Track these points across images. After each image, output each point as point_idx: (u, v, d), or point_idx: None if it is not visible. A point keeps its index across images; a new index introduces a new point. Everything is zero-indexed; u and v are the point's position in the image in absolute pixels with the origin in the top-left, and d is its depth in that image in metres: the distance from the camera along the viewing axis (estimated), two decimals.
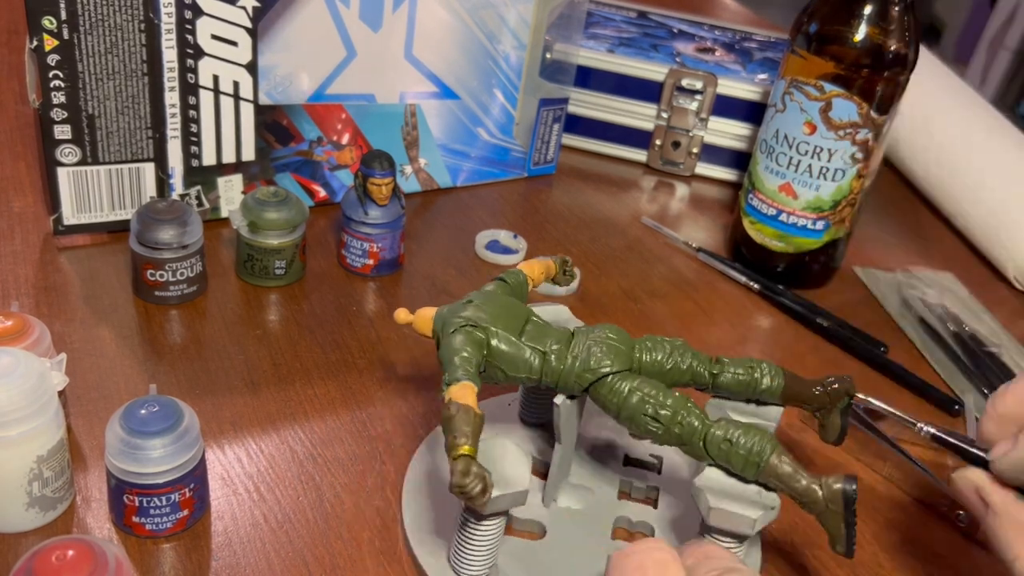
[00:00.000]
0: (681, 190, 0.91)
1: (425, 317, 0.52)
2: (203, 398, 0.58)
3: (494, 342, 0.48)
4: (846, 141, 0.70)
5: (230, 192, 0.73)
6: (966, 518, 0.57)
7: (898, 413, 0.53)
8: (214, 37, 0.67)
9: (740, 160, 0.90)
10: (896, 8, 0.68)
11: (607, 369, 0.48)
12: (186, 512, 0.49)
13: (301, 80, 0.72)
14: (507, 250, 0.77)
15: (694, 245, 0.80)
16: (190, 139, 0.69)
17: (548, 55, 0.82)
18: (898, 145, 0.94)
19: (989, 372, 0.69)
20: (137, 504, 0.48)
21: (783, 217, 0.75)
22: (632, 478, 0.56)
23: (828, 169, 0.71)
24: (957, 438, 0.50)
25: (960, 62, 2.66)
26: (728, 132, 0.90)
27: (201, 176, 0.71)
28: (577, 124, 0.92)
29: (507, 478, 0.44)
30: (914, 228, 0.91)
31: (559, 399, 0.49)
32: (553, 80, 0.84)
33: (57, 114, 0.64)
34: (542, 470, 0.55)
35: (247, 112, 0.70)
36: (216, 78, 0.68)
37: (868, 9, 0.67)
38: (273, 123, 0.72)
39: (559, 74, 0.84)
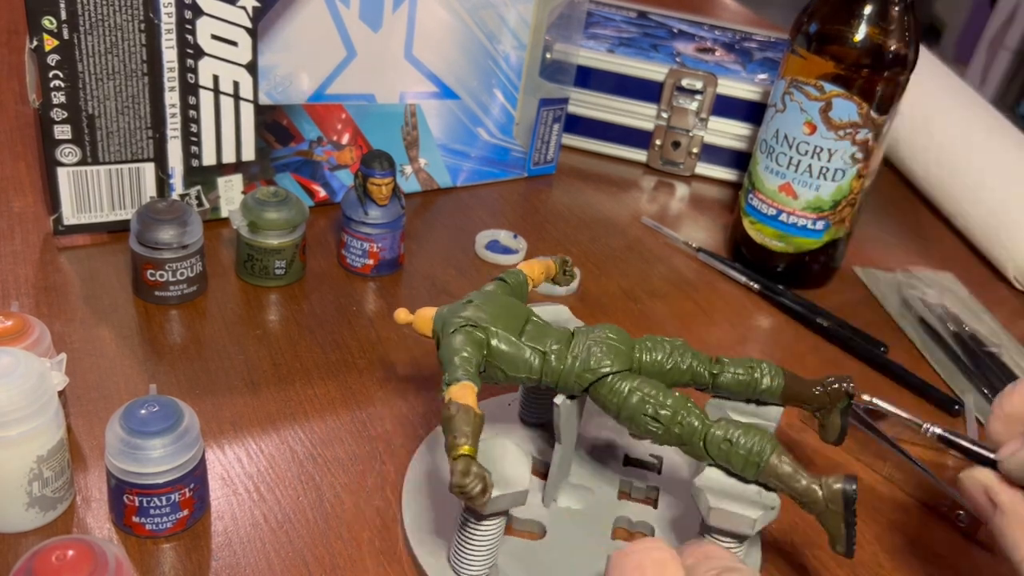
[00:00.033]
0: (681, 190, 0.91)
1: (425, 317, 0.52)
2: (203, 398, 0.58)
3: (494, 342, 0.48)
4: (846, 141, 0.70)
5: (230, 192, 0.73)
6: (966, 518, 0.57)
7: (903, 414, 0.53)
8: (214, 37, 0.67)
9: (740, 160, 0.90)
10: (896, 8, 0.68)
11: (607, 369, 0.48)
12: (186, 512, 0.49)
13: (301, 80, 0.72)
14: (507, 250, 0.77)
15: (694, 245, 0.80)
16: (190, 139, 0.69)
17: (548, 55, 0.82)
18: (898, 145, 0.94)
19: (989, 372, 0.69)
20: (137, 504, 0.48)
21: (783, 217, 0.75)
22: (632, 478, 0.56)
23: (828, 169, 0.72)
24: (963, 438, 0.50)
25: (960, 62, 2.66)
26: (728, 132, 0.90)
27: (201, 176, 0.71)
28: (577, 124, 0.92)
29: (507, 478, 0.44)
30: (914, 228, 0.91)
31: (559, 399, 0.49)
32: (553, 80, 0.84)
33: (57, 114, 0.64)
34: (542, 470, 0.55)
35: (247, 112, 0.70)
36: (216, 78, 0.68)
37: (868, 9, 0.67)
38: (273, 123, 0.72)
39: (559, 74, 0.84)
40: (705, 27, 1.01)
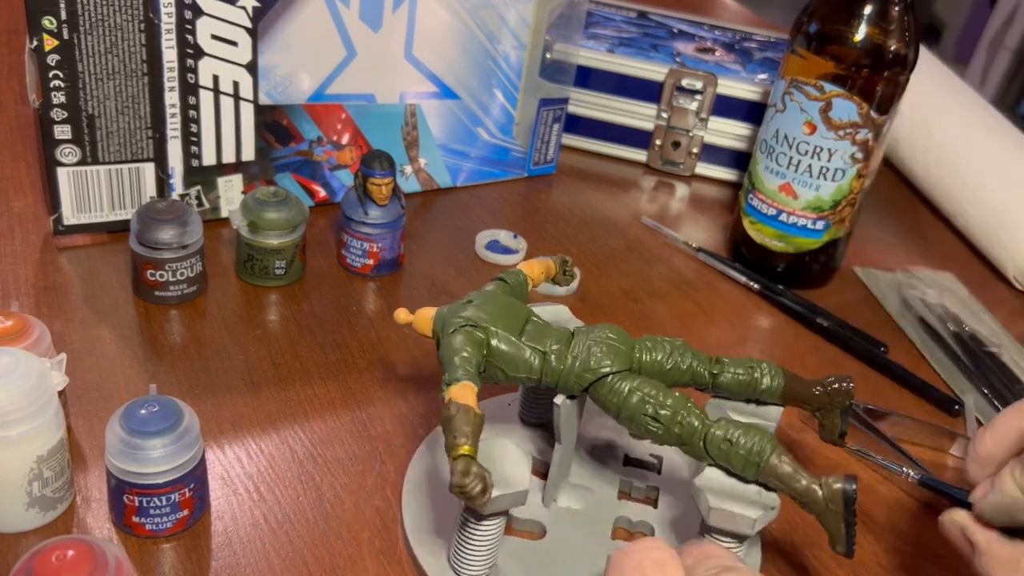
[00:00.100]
0: (681, 190, 0.91)
1: (425, 317, 0.52)
2: (203, 398, 0.58)
3: (494, 342, 0.48)
4: (846, 141, 0.70)
5: (230, 192, 0.73)
6: None
7: (884, 462, 0.54)
8: (214, 37, 0.67)
9: (740, 160, 0.90)
10: (896, 8, 0.68)
11: (607, 369, 0.48)
12: (186, 512, 0.49)
13: (301, 80, 0.72)
14: (507, 250, 0.77)
15: (694, 245, 0.80)
16: (190, 139, 0.69)
17: (548, 55, 0.82)
18: (898, 145, 0.94)
19: (989, 372, 0.69)
20: (137, 504, 0.48)
21: (783, 217, 0.75)
22: (632, 478, 0.56)
23: (828, 169, 0.72)
24: (940, 484, 0.51)
25: (960, 62, 2.66)
26: (728, 132, 0.90)
27: (201, 176, 0.71)
28: (577, 124, 0.92)
29: (507, 478, 0.44)
30: (914, 228, 0.91)
31: (559, 399, 0.49)
32: (553, 80, 0.84)
33: (57, 114, 0.64)
34: (542, 470, 0.55)
35: (247, 112, 0.70)
36: (216, 78, 0.68)
37: (868, 9, 0.67)
38: (273, 123, 0.72)
39: (559, 74, 0.84)
40: (705, 27, 1.01)
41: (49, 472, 0.48)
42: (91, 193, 0.68)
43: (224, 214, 0.73)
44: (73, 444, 0.54)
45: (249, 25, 0.67)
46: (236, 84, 0.69)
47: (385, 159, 0.67)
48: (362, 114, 0.76)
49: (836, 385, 0.50)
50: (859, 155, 0.71)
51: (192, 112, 0.68)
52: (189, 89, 0.67)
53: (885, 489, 0.59)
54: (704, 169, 0.92)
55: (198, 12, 0.65)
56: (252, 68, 0.69)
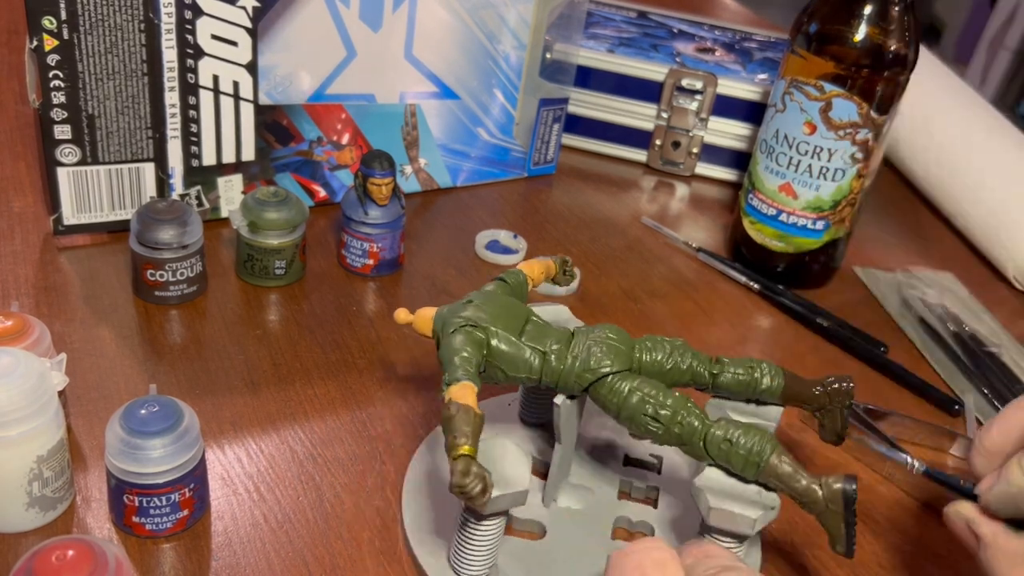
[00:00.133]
0: (681, 190, 0.91)
1: (425, 317, 0.52)
2: (203, 398, 0.58)
3: (494, 342, 0.48)
4: (846, 141, 0.70)
5: (230, 192, 0.73)
6: None
7: (889, 452, 0.54)
8: (214, 37, 0.67)
9: (740, 160, 0.90)
10: (896, 8, 0.68)
11: (607, 369, 0.48)
12: (186, 512, 0.49)
13: (301, 80, 0.72)
14: (507, 250, 0.77)
15: (694, 245, 0.80)
16: (190, 139, 0.69)
17: (548, 55, 0.82)
18: (898, 145, 0.94)
19: (989, 372, 0.69)
20: (137, 504, 0.48)
21: (783, 217, 0.75)
22: (632, 478, 0.56)
23: (828, 169, 0.72)
24: (946, 476, 0.51)
25: (960, 62, 2.66)
26: (728, 132, 0.90)
27: (201, 176, 0.71)
28: (577, 124, 0.92)
29: (507, 478, 0.44)
30: (914, 228, 0.91)
31: (559, 399, 0.49)
32: (553, 80, 0.84)
33: (57, 114, 0.64)
34: (542, 470, 0.55)
35: (247, 112, 0.70)
36: (216, 78, 0.68)
37: (868, 9, 0.67)
38: (273, 123, 0.72)
39: (559, 74, 0.84)
40: (705, 27, 1.01)
41: (49, 472, 0.48)
42: (91, 193, 0.68)
43: (224, 214, 0.73)
44: (73, 444, 0.54)
45: (249, 25, 0.67)
46: (236, 84, 0.69)
47: (385, 159, 0.67)
48: (362, 114, 0.76)
49: (836, 385, 0.50)
50: (859, 155, 0.71)
51: (192, 112, 0.68)
52: (189, 89, 0.68)
53: (885, 489, 0.59)
54: (704, 169, 0.92)
55: (198, 12, 0.65)
56: (252, 68, 0.69)
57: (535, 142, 0.86)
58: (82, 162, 0.66)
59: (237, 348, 0.63)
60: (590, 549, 0.51)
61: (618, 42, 0.93)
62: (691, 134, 0.90)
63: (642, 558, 0.38)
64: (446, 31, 0.76)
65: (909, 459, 0.53)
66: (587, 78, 0.90)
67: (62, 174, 0.66)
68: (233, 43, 0.67)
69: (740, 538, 0.46)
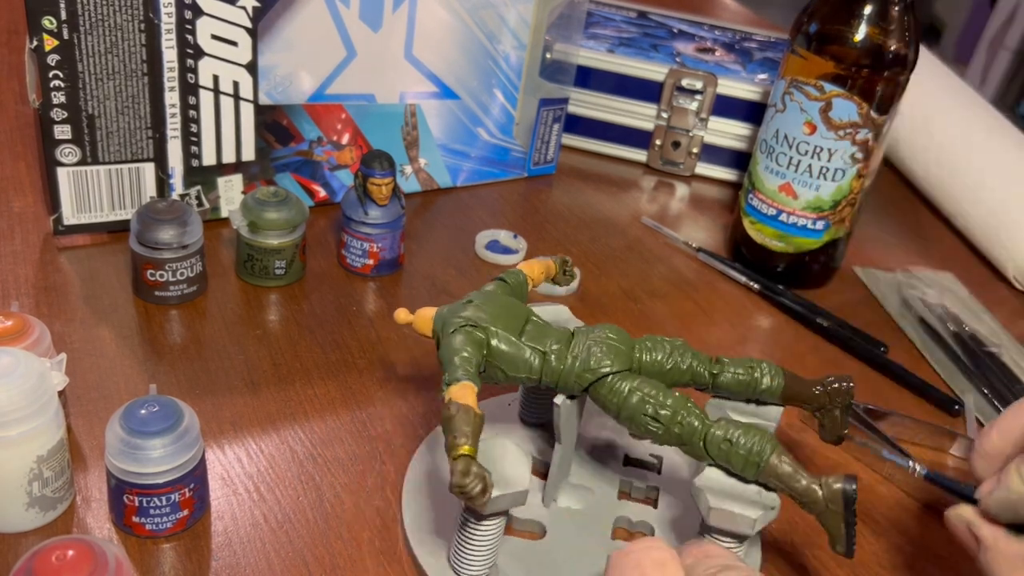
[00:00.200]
0: (681, 190, 0.91)
1: (425, 317, 0.52)
2: (203, 398, 0.58)
3: (494, 342, 0.48)
4: (846, 141, 0.70)
5: (230, 192, 0.73)
6: None
7: (890, 456, 0.54)
8: (214, 37, 0.67)
9: (740, 160, 0.90)
10: (896, 8, 0.68)
11: (607, 369, 0.48)
12: (186, 512, 0.49)
13: (301, 80, 0.72)
14: (507, 250, 0.77)
15: (694, 245, 0.80)
16: (190, 139, 0.69)
17: (548, 55, 0.82)
18: (898, 145, 0.94)
19: (989, 372, 0.69)
20: (137, 504, 0.48)
21: (783, 217, 0.75)
22: (632, 478, 0.56)
23: (828, 169, 0.71)
24: (947, 479, 0.51)
25: (960, 62, 2.66)
26: (728, 132, 0.90)
27: (201, 176, 0.71)
28: (577, 124, 0.92)
29: (507, 478, 0.44)
30: (914, 228, 0.91)
31: (559, 399, 0.49)
32: (553, 80, 0.84)
33: (57, 114, 0.64)
34: (542, 470, 0.55)
35: (247, 112, 0.70)
36: (216, 78, 0.68)
37: (868, 9, 0.67)
38: (273, 123, 0.72)
39: (559, 74, 0.84)
40: (705, 27, 1.01)
41: (49, 472, 0.48)
42: (91, 193, 0.68)
43: (224, 214, 0.73)
44: (73, 444, 0.54)
45: (249, 25, 0.67)
46: (236, 84, 0.69)
47: (385, 159, 0.67)
48: (362, 114, 0.76)
49: (836, 385, 0.50)
50: (859, 155, 0.71)
51: (192, 112, 0.68)
52: (189, 89, 0.68)
53: (885, 489, 0.59)
54: (704, 169, 0.92)
55: (198, 12, 0.65)
56: (252, 68, 0.69)
57: (535, 142, 0.86)
58: (82, 162, 0.66)
59: (237, 348, 0.63)
60: (590, 549, 0.51)
61: (618, 42, 0.93)
62: (691, 134, 0.90)
63: (641, 557, 0.38)
64: (446, 31, 0.76)
65: (911, 463, 0.52)
66: (587, 78, 0.90)
67: (62, 174, 0.66)
68: (233, 43, 0.67)
69: (740, 538, 0.46)
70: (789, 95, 0.71)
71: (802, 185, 0.73)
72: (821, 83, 0.69)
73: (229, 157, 0.71)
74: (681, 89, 0.88)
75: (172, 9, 0.64)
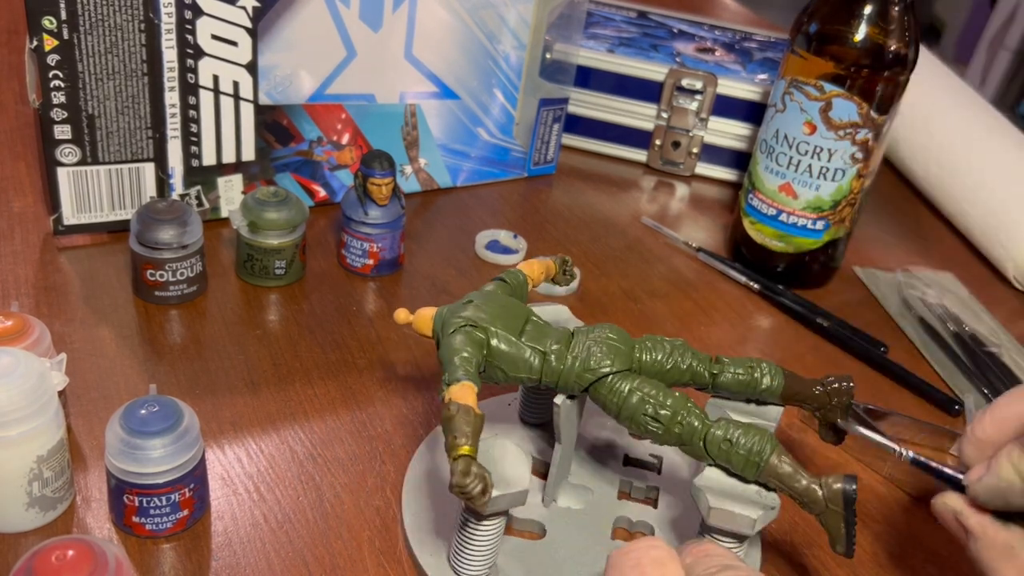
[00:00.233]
0: (681, 190, 0.91)
1: (425, 317, 0.52)
2: (203, 398, 0.58)
3: (494, 342, 0.48)
4: (846, 141, 0.70)
5: (230, 192, 0.73)
6: None
7: (880, 439, 0.53)
8: (214, 37, 0.67)
9: (740, 160, 0.90)
10: (896, 8, 0.68)
11: (607, 369, 0.48)
12: (186, 512, 0.49)
13: (301, 80, 0.72)
14: (507, 250, 0.77)
15: (694, 245, 0.80)
16: (190, 139, 0.69)
17: (548, 55, 0.82)
18: (898, 145, 0.94)
19: (989, 372, 0.69)
20: (137, 504, 0.48)
21: (783, 217, 0.75)
22: (632, 478, 0.56)
23: (828, 169, 0.72)
24: (934, 464, 0.51)
25: (960, 62, 2.67)
26: (728, 132, 0.90)
27: (201, 176, 0.71)
28: (577, 124, 0.92)
29: (507, 478, 0.44)
30: (914, 228, 0.91)
31: (559, 399, 0.49)
32: (553, 80, 0.84)
33: (57, 114, 0.64)
34: (542, 470, 0.55)
35: (247, 112, 0.70)
36: (216, 78, 0.68)
37: (868, 9, 0.67)
38: (273, 123, 0.72)
39: (559, 74, 0.84)
40: (705, 27, 1.01)
41: (49, 472, 0.48)
42: (91, 193, 0.68)
43: (224, 214, 0.73)
44: (73, 444, 0.54)
45: (249, 25, 0.67)
46: (236, 84, 0.69)
47: (385, 159, 0.67)
48: (362, 114, 0.76)
49: (836, 385, 0.50)
50: (859, 155, 0.71)
51: (192, 112, 0.68)
52: (189, 89, 0.68)
53: (885, 489, 0.59)
54: (704, 169, 0.92)
55: (198, 12, 0.65)
56: (252, 68, 0.69)
57: (535, 142, 0.86)
58: (82, 162, 0.66)
59: (237, 348, 0.63)
60: (590, 549, 0.51)
61: (618, 42, 0.93)
62: (691, 134, 0.90)
63: (641, 556, 0.38)
64: (446, 31, 0.76)
65: (896, 447, 0.52)
66: (587, 78, 0.90)
67: (62, 174, 0.66)
68: (233, 43, 0.67)
69: (740, 538, 0.46)
70: (789, 95, 0.71)
71: (802, 185, 0.73)
72: (821, 83, 0.69)
73: (229, 157, 0.72)
74: (681, 89, 0.88)
75: (172, 9, 0.64)
